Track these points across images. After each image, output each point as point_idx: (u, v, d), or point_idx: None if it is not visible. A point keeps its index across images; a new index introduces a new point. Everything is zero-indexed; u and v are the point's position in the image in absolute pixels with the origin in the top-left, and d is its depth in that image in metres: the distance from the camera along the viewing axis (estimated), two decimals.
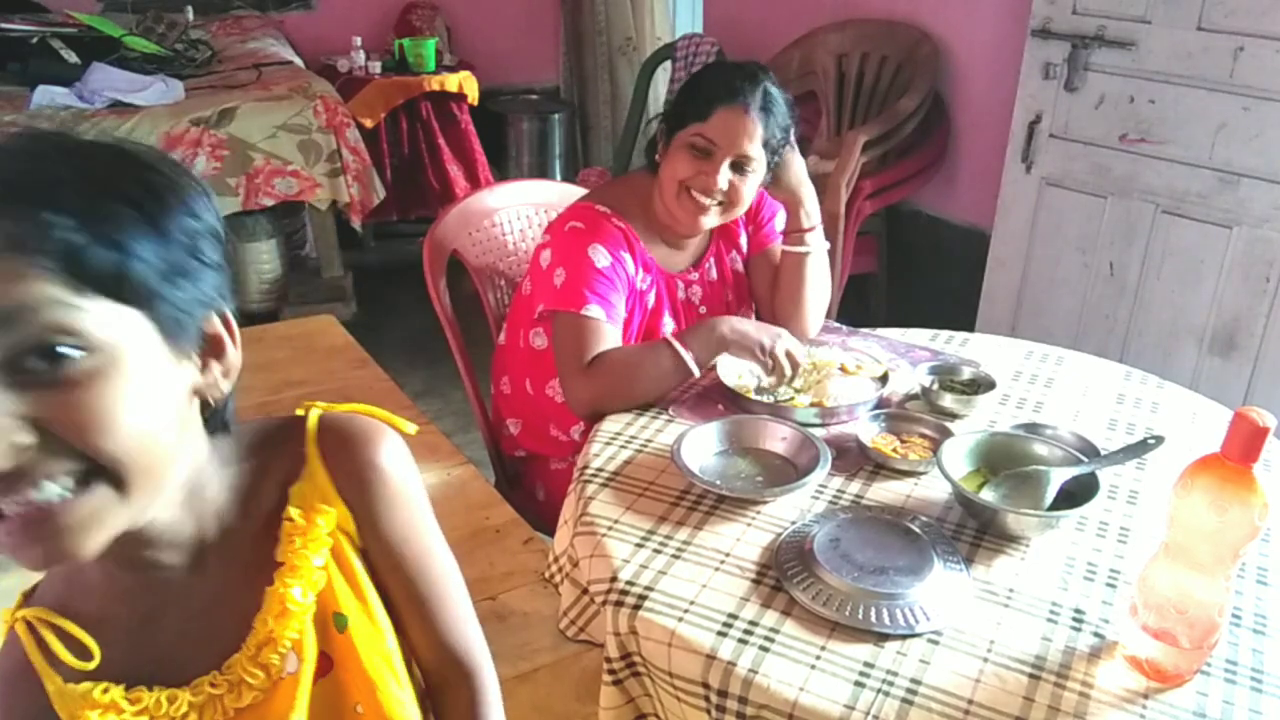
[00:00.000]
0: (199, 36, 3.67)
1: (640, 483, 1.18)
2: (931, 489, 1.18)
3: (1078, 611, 0.98)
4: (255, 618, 0.69)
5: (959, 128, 3.01)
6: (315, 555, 0.70)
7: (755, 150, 1.43)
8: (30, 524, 0.53)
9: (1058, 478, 1.11)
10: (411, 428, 0.77)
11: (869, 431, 1.27)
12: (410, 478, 0.77)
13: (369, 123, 3.74)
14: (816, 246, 1.57)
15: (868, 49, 3.08)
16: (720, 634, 0.94)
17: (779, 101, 1.45)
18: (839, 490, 1.18)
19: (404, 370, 2.96)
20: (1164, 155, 2.32)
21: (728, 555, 1.05)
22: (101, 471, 0.54)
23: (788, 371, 1.39)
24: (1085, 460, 1.16)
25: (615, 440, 1.28)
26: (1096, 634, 0.95)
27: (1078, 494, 1.10)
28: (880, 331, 1.64)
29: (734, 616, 0.96)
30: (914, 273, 3.17)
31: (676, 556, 1.05)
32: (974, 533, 1.10)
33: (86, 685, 0.66)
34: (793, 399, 1.37)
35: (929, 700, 0.87)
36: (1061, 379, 1.49)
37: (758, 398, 1.36)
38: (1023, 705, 0.87)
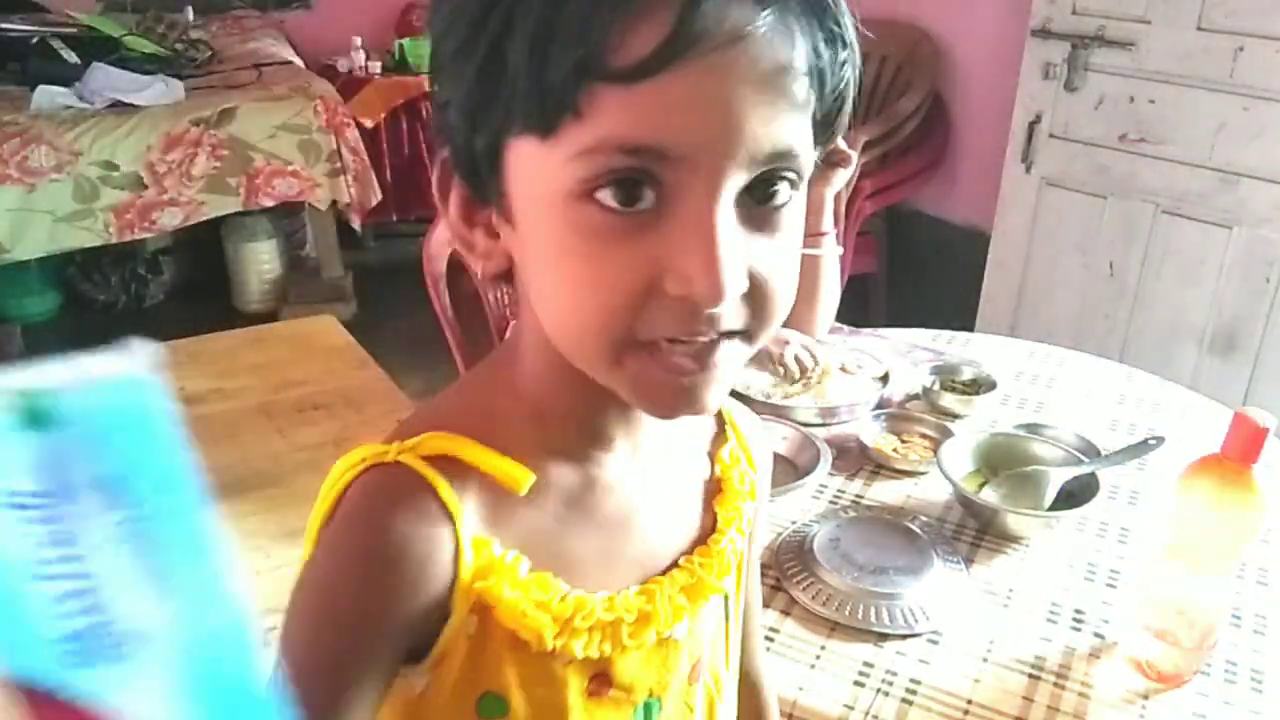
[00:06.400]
0: (199, 36, 3.66)
1: None
2: (932, 489, 1.18)
3: (1078, 611, 0.98)
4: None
5: (959, 128, 3.01)
6: (740, 520, 0.62)
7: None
8: (698, 358, 0.46)
9: (1058, 478, 1.11)
10: None
11: (869, 431, 1.27)
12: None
13: (369, 123, 3.73)
14: (830, 249, 1.58)
15: (868, 49, 3.02)
16: None
17: None
18: (839, 490, 1.18)
19: (404, 370, 2.95)
20: (1164, 155, 2.32)
21: None
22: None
23: (796, 375, 1.39)
24: (1086, 460, 1.16)
25: None
26: (1096, 634, 0.95)
27: (1078, 494, 1.10)
28: (881, 331, 1.64)
29: None
30: (914, 273, 3.17)
31: None
32: (974, 533, 1.10)
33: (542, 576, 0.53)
34: (790, 396, 1.37)
35: (929, 700, 0.87)
36: (1062, 379, 1.48)
37: (758, 398, 1.36)
38: (1022, 705, 0.87)
